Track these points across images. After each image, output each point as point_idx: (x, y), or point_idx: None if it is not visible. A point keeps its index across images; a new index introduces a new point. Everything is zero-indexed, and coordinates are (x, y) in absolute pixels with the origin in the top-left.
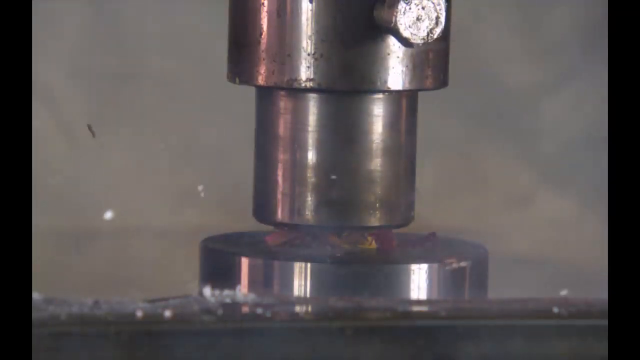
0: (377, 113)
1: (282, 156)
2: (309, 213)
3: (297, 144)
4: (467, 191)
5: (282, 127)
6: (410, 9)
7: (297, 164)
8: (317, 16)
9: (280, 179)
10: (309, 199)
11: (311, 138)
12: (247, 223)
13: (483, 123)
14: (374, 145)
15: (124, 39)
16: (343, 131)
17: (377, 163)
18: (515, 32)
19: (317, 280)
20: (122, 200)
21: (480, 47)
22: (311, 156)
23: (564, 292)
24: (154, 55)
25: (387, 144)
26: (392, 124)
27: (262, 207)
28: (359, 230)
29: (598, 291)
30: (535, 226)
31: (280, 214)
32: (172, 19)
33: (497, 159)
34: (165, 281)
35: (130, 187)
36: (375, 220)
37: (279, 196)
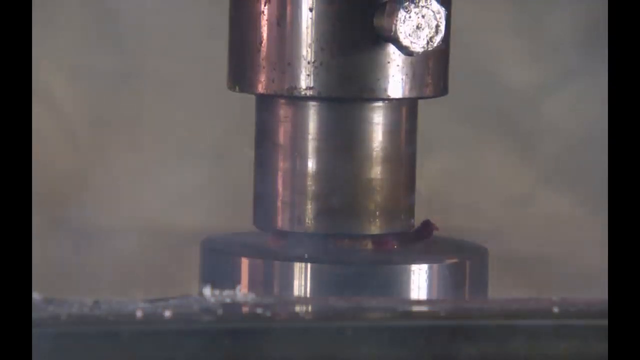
0: (377, 121)
1: (282, 164)
2: (309, 221)
3: (297, 152)
4: (467, 191)
5: (282, 135)
6: (410, 17)
7: (297, 172)
8: (317, 24)
9: (280, 187)
10: (309, 207)
11: (311, 146)
12: (248, 224)
13: (483, 123)
14: (374, 153)
15: (124, 39)
16: (343, 139)
17: (377, 171)
18: (515, 32)
19: (317, 280)
20: (122, 200)
21: (480, 47)
22: (311, 164)
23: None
24: (154, 55)
25: (387, 152)
26: (392, 132)
27: (263, 214)
28: (359, 238)
29: (598, 291)
30: (535, 226)
31: (280, 222)
32: (172, 19)
33: (497, 159)
34: (165, 281)
35: (130, 187)
36: (375, 228)
37: (279, 204)
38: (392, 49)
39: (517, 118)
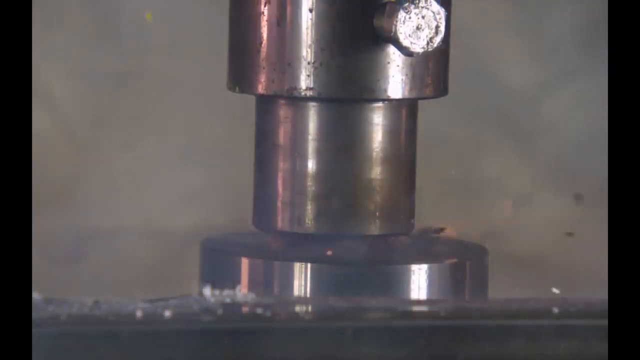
0: (377, 122)
1: (282, 165)
2: (309, 221)
3: (297, 153)
4: (468, 191)
5: (282, 135)
6: (410, 18)
7: (297, 172)
8: (317, 25)
9: (280, 188)
10: (309, 208)
11: (311, 147)
12: (248, 224)
13: (483, 123)
14: (374, 154)
15: (124, 39)
16: (343, 140)
17: (377, 171)
18: (515, 32)
19: (317, 280)
20: (122, 200)
21: (480, 47)
22: (311, 165)
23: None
24: (154, 55)
25: (387, 153)
26: (391, 133)
27: (262, 215)
28: (359, 239)
29: (598, 291)
30: (535, 226)
31: (280, 223)
32: (173, 19)
33: (497, 158)
34: (165, 281)
35: (130, 188)
36: (375, 228)
37: (279, 205)
38: (392, 49)
39: (517, 118)
